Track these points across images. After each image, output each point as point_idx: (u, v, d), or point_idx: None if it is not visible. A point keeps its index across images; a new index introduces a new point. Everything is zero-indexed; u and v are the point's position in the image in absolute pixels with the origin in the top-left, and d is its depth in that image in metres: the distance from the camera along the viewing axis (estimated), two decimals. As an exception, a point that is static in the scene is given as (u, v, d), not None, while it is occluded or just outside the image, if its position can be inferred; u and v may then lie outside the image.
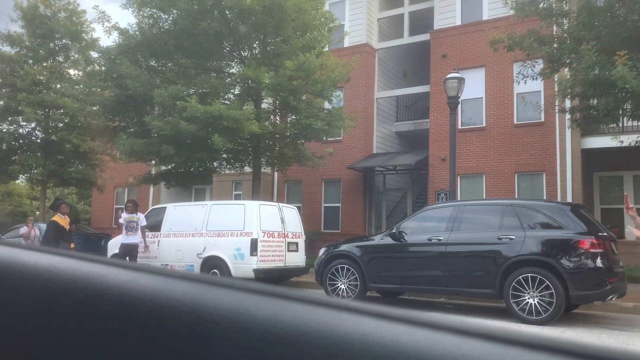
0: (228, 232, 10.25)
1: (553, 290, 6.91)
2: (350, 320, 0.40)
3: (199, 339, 0.42)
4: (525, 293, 7.10)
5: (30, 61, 18.38)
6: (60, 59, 19.18)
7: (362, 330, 0.39)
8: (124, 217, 10.17)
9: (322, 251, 9.34)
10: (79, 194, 31.68)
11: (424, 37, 17.08)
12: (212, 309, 0.44)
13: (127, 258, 9.78)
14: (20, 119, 18.57)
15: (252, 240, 9.93)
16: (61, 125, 18.57)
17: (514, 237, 7.34)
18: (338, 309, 0.42)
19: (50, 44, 18.75)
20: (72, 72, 19.39)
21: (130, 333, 0.44)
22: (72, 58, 19.15)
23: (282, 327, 0.40)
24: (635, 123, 12.41)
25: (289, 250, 10.70)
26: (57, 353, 0.47)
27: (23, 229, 12.58)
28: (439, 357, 0.35)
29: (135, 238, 10.14)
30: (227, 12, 12.77)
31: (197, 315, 0.43)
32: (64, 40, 18.82)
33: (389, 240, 8.48)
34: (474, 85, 15.00)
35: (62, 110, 17.95)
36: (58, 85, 18.49)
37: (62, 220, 9.87)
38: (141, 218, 10.35)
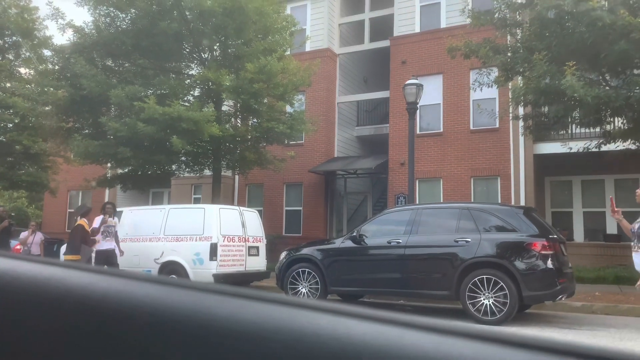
0: (187, 237, 10.06)
1: (507, 291, 7.14)
2: (305, 316, 0.43)
3: (161, 337, 0.44)
4: (480, 294, 7.30)
5: (-22, 58, 17.53)
6: (11, 57, 18.35)
7: (316, 326, 0.41)
8: (109, 221, 9.42)
9: (283, 255, 9.31)
10: (29, 197, 30.39)
11: (384, 43, 17.35)
12: (173, 308, 0.45)
13: (105, 266, 9.14)
14: (-34, 119, 17.64)
15: (211, 244, 9.79)
16: (11, 125, 17.75)
17: (470, 239, 7.53)
18: (295, 307, 0.45)
19: (0, 41, 17.95)
20: (23, 70, 18.59)
21: (92, 334, 0.45)
22: (23, 56, 18.37)
23: (242, 324, 0.43)
24: (583, 130, 12.99)
25: (249, 255, 10.61)
26: (17, 353, 0.47)
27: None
28: (385, 347, 0.38)
29: (112, 243, 9.44)
30: (187, 13, 12.58)
31: (158, 315, 0.45)
32: (14, 38, 18.03)
33: (349, 244, 8.54)
34: (432, 91, 15.33)
35: (11, 110, 17.17)
36: (8, 84, 17.68)
37: (87, 226, 9.30)
38: (117, 222, 9.82)
